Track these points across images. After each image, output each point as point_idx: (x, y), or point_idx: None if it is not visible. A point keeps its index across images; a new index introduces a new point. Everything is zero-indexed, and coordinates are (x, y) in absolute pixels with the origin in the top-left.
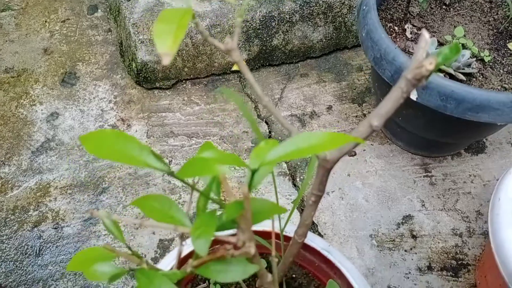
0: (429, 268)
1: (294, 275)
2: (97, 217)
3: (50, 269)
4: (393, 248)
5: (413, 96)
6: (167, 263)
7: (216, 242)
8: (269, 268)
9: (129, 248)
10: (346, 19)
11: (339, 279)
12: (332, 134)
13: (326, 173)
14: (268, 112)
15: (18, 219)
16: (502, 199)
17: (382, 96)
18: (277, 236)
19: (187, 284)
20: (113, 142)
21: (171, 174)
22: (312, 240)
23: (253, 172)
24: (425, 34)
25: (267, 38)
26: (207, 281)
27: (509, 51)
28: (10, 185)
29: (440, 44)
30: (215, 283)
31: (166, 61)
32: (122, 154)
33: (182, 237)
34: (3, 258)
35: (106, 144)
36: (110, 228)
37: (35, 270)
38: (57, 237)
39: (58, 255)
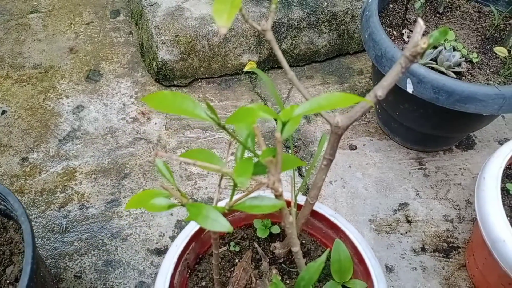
0: (423, 249)
1: (303, 241)
2: (161, 157)
3: (75, 245)
4: (390, 232)
5: (410, 89)
6: (181, 239)
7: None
8: (282, 236)
9: (179, 190)
10: (349, 27)
11: (344, 240)
12: (346, 95)
13: (337, 139)
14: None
15: (46, 200)
16: (486, 177)
17: None
18: (290, 206)
19: (208, 248)
20: (172, 99)
21: (219, 125)
22: (320, 207)
23: (284, 123)
24: (420, 21)
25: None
26: (227, 245)
27: (495, 55)
28: (38, 170)
29: (434, 47)
30: (234, 245)
31: (223, 31)
32: (180, 108)
33: (221, 182)
34: None
35: (166, 101)
36: (163, 172)
37: (61, 246)
38: (82, 216)
39: (83, 233)
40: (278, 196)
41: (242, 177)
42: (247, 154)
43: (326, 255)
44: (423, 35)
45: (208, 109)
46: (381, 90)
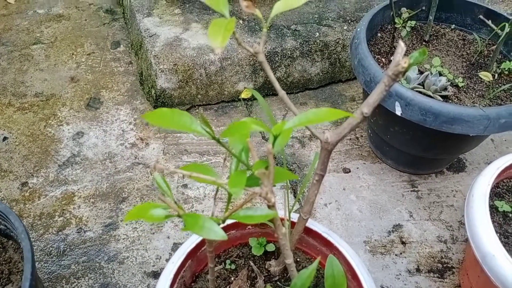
0: (418, 270)
1: (298, 259)
2: (159, 170)
3: (72, 268)
4: (385, 253)
5: (398, 111)
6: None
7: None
8: (277, 254)
9: (175, 202)
10: (340, 56)
11: (338, 257)
12: (333, 110)
13: (327, 155)
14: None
15: (44, 224)
16: (475, 195)
17: (372, 116)
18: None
19: (204, 267)
20: (170, 115)
21: (214, 138)
22: (314, 225)
23: (275, 137)
24: (401, 43)
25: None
26: (222, 263)
27: (480, 79)
28: (37, 194)
29: (420, 72)
30: (230, 263)
31: (218, 51)
32: (178, 123)
33: (216, 194)
34: None
35: (165, 117)
36: (161, 185)
37: (58, 269)
38: (80, 240)
39: (80, 256)
40: (271, 206)
41: (236, 188)
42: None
43: (317, 263)
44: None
45: (204, 123)
46: (366, 107)
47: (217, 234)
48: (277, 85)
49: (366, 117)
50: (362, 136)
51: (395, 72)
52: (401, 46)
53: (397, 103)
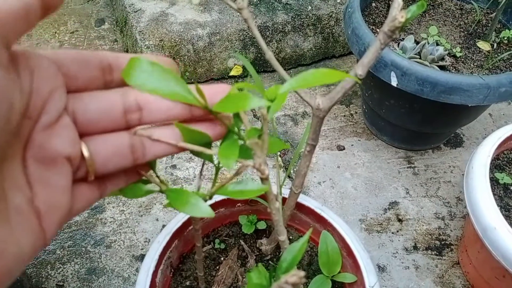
0: (415, 248)
1: (290, 237)
2: (141, 136)
3: (58, 254)
4: (381, 231)
5: (394, 82)
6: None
7: (219, 204)
8: (269, 232)
9: (158, 177)
10: (333, 30)
11: (332, 233)
12: (332, 71)
13: (319, 122)
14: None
15: None
16: (474, 166)
17: (367, 90)
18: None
19: (192, 248)
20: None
21: (207, 108)
22: (306, 200)
23: (271, 101)
24: None
25: None
26: (211, 243)
27: (478, 49)
28: None
29: (416, 42)
30: (219, 243)
31: (196, 1)
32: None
33: (203, 168)
34: None
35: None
36: None
37: (43, 255)
38: (65, 224)
39: (66, 240)
40: (264, 179)
41: (228, 159)
42: None
43: (309, 234)
44: (405, 31)
45: (198, 93)
46: (361, 68)
47: (203, 210)
48: (263, 45)
49: (361, 79)
50: (356, 112)
51: (391, 27)
52: (398, 1)
53: (392, 73)
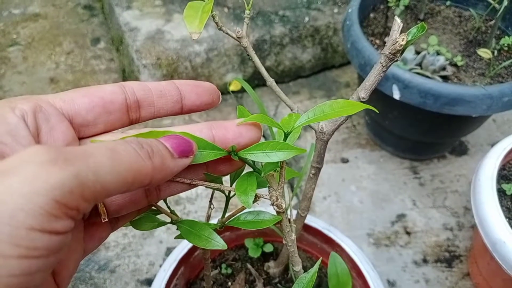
0: (424, 261)
1: None
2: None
3: None
4: (389, 245)
5: (396, 95)
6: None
7: (225, 229)
8: (276, 254)
9: (168, 207)
10: (332, 40)
11: (341, 254)
12: (350, 102)
13: (323, 146)
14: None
15: None
16: (481, 179)
17: (368, 102)
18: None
19: (198, 273)
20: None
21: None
22: (313, 221)
23: (286, 135)
24: (397, 19)
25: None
26: (218, 268)
27: (479, 57)
28: None
29: (417, 52)
30: (226, 267)
31: (195, 36)
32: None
33: (212, 197)
34: None
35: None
36: None
37: None
38: None
39: None
40: (281, 213)
41: (246, 195)
42: None
43: (318, 265)
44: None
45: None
46: (363, 91)
47: (216, 244)
48: (264, 73)
49: (363, 101)
50: (359, 123)
51: (392, 50)
52: (398, 22)
53: (394, 86)
